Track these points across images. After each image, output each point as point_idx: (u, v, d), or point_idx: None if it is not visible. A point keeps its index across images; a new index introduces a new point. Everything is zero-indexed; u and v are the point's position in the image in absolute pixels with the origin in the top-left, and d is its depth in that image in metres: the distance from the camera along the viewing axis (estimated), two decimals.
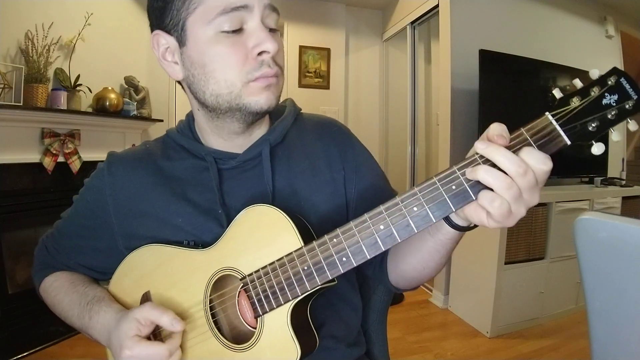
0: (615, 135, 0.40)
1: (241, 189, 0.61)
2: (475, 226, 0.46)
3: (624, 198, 2.43)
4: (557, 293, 2.16)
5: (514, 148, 0.40)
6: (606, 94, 0.39)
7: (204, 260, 0.56)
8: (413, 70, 2.97)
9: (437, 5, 2.42)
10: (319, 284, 0.48)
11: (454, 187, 0.42)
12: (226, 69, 0.52)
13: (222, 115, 0.57)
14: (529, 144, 0.40)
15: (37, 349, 1.76)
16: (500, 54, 2.18)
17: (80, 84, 2.11)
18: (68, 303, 0.62)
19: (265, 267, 0.51)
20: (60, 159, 1.96)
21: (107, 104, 2.19)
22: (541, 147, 0.40)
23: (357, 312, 0.69)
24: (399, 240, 0.44)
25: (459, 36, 2.27)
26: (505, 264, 1.98)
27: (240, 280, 0.53)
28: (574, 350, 1.87)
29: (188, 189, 0.61)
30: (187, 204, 0.60)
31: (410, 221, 0.43)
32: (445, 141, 2.33)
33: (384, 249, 0.45)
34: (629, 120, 0.39)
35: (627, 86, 0.38)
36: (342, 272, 0.47)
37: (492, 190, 0.40)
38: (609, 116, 0.39)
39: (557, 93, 0.41)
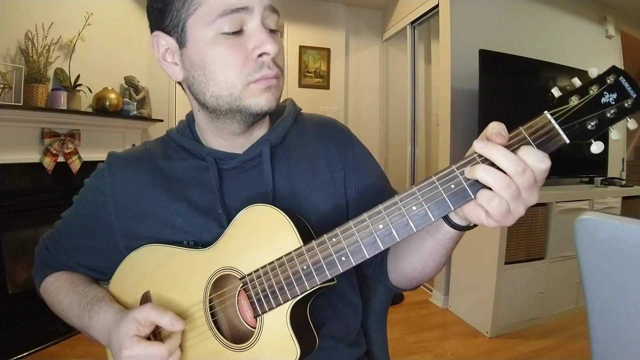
0: (615, 134, 0.40)
1: (241, 189, 0.61)
2: (475, 225, 0.46)
3: (624, 198, 2.43)
4: (557, 293, 2.16)
5: (512, 147, 0.40)
6: (605, 93, 0.39)
7: (204, 260, 0.56)
8: (413, 70, 2.97)
9: (437, 5, 2.42)
10: (318, 283, 0.48)
11: (452, 186, 0.42)
12: (226, 71, 0.52)
13: (223, 116, 0.57)
14: (528, 143, 0.40)
15: (37, 349, 1.76)
16: (500, 54, 2.18)
17: (80, 84, 2.11)
18: (68, 303, 0.62)
19: (265, 266, 0.51)
20: (60, 159, 1.97)
21: (107, 104, 2.19)
22: (540, 146, 0.40)
23: (357, 312, 0.69)
24: (398, 240, 0.44)
25: (459, 36, 2.27)
26: (505, 264, 1.98)
27: (240, 279, 0.53)
28: (574, 350, 1.87)
29: (188, 189, 0.61)
30: (187, 204, 0.60)
31: (409, 220, 0.43)
32: (445, 141, 2.33)
33: (383, 249, 0.45)
34: (628, 119, 0.39)
35: (626, 85, 0.38)
36: (341, 271, 0.47)
37: (490, 189, 0.40)
38: (608, 115, 0.39)
39: (556, 92, 0.41)
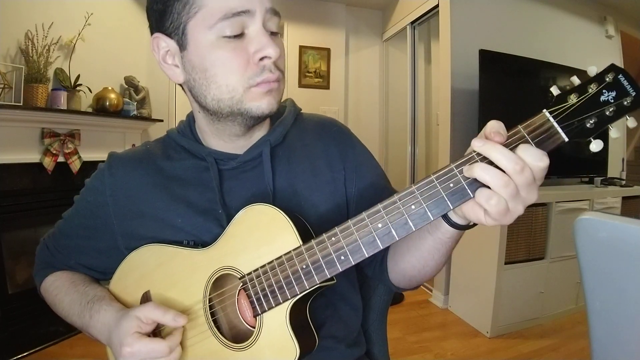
0: (614, 132, 0.40)
1: (241, 189, 0.61)
2: (475, 225, 0.46)
3: (624, 198, 2.43)
4: (557, 293, 2.16)
5: (511, 145, 0.40)
6: (604, 91, 0.39)
7: (204, 260, 0.56)
8: (413, 70, 2.97)
9: (437, 5, 2.42)
10: (317, 282, 0.48)
11: (451, 185, 0.42)
12: (228, 74, 0.52)
13: (224, 119, 0.57)
14: (527, 141, 0.40)
15: (37, 349, 1.76)
16: (500, 54, 2.18)
17: (80, 84, 2.11)
18: (69, 302, 0.62)
19: (264, 266, 0.51)
20: (60, 159, 1.97)
21: (107, 104, 2.20)
22: (539, 144, 0.40)
23: (357, 312, 0.69)
24: (397, 239, 0.44)
25: (459, 36, 2.27)
26: (505, 264, 1.98)
27: (240, 279, 0.53)
28: (574, 350, 1.87)
29: (188, 189, 0.61)
30: (187, 204, 0.60)
31: (408, 219, 0.43)
32: (445, 141, 2.33)
33: (382, 247, 0.45)
34: (627, 117, 0.39)
35: (625, 83, 0.38)
36: (340, 270, 0.47)
37: (489, 187, 0.40)
38: (607, 113, 0.39)
39: (555, 90, 0.41)
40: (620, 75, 0.38)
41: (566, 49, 2.59)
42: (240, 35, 0.52)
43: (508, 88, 2.21)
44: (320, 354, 0.55)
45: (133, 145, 2.39)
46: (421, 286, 2.07)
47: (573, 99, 0.40)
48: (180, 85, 0.60)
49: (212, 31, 0.51)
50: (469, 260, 2.15)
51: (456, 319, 2.22)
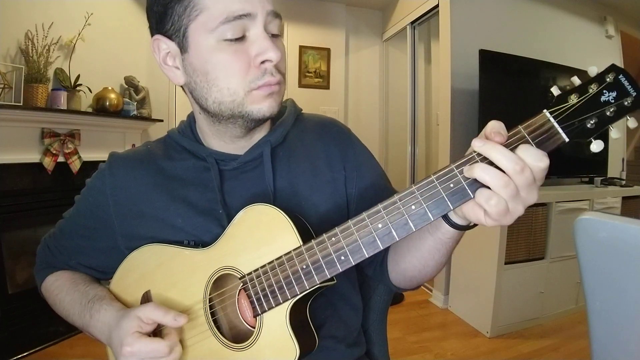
0: (615, 132, 0.40)
1: (242, 189, 0.61)
2: (475, 225, 0.46)
3: (624, 198, 2.43)
4: (557, 293, 2.16)
5: (511, 145, 0.40)
6: (604, 91, 0.39)
7: (204, 260, 0.56)
8: (413, 70, 2.97)
9: (437, 5, 2.42)
10: (317, 283, 0.48)
11: (451, 185, 0.42)
12: (229, 78, 0.52)
13: (224, 121, 0.57)
14: (527, 142, 0.40)
15: (37, 349, 1.76)
16: (500, 54, 2.18)
17: (80, 84, 2.11)
18: (69, 302, 0.62)
19: (264, 266, 0.51)
20: (60, 159, 1.96)
21: (107, 104, 2.19)
22: (539, 145, 0.40)
23: (358, 312, 0.69)
24: (397, 239, 0.44)
25: (459, 36, 2.27)
26: (505, 264, 1.98)
27: (240, 279, 0.53)
28: (574, 350, 1.87)
29: (189, 189, 0.61)
30: (187, 204, 0.60)
31: (409, 220, 0.43)
32: (445, 141, 2.33)
33: (382, 248, 0.45)
34: (628, 117, 0.39)
35: (626, 83, 0.38)
36: (340, 270, 0.47)
37: (489, 188, 0.40)
38: (608, 113, 0.39)
39: (556, 90, 0.41)
40: (620, 76, 0.38)
41: (566, 49, 2.59)
42: (241, 39, 0.51)
43: (508, 88, 2.21)
44: (320, 354, 0.55)
45: (133, 145, 2.39)
46: (421, 286, 2.06)
47: (574, 99, 0.40)
48: (182, 86, 0.60)
49: (213, 34, 0.51)
50: (469, 260, 2.15)
51: (456, 319, 2.22)
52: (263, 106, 0.54)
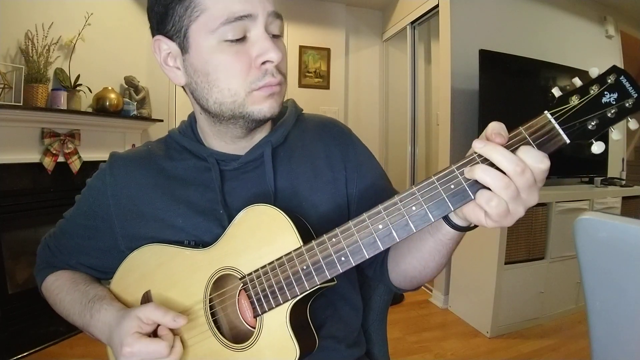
0: (616, 134, 0.40)
1: (243, 189, 0.61)
2: (476, 226, 0.46)
3: (624, 198, 2.43)
4: (557, 293, 2.16)
5: (512, 147, 0.40)
6: (606, 92, 0.39)
7: (204, 260, 0.56)
8: (413, 70, 2.97)
9: (437, 5, 2.42)
10: (318, 283, 0.48)
11: (452, 186, 0.42)
12: (230, 78, 0.52)
13: (225, 121, 0.57)
14: (528, 143, 0.40)
15: (37, 349, 1.76)
16: (500, 54, 2.18)
17: (80, 84, 2.11)
18: (69, 301, 0.62)
19: (265, 266, 0.51)
20: (60, 159, 1.96)
21: (107, 104, 2.19)
22: (540, 146, 0.40)
23: (358, 312, 0.69)
24: (398, 240, 0.44)
25: (459, 36, 2.27)
26: (505, 264, 1.98)
27: (240, 279, 0.53)
28: (574, 350, 1.87)
29: (190, 189, 0.61)
30: (188, 204, 0.60)
31: (409, 221, 0.43)
32: (445, 141, 2.33)
33: (382, 249, 0.45)
34: (629, 118, 0.39)
35: (627, 84, 0.38)
36: (340, 271, 0.47)
37: (490, 189, 0.40)
38: (609, 115, 0.39)
39: (557, 92, 0.41)
40: (622, 77, 0.38)
41: (566, 49, 2.59)
42: (242, 39, 0.51)
43: (508, 88, 2.21)
44: (320, 354, 0.55)
45: (133, 145, 2.39)
46: (421, 286, 2.05)
47: (575, 100, 0.39)
48: (182, 86, 0.60)
49: (214, 35, 0.51)
50: (469, 261, 2.15)
51: (456, 319, 2.22)
52: (264, 107, 0.54)
